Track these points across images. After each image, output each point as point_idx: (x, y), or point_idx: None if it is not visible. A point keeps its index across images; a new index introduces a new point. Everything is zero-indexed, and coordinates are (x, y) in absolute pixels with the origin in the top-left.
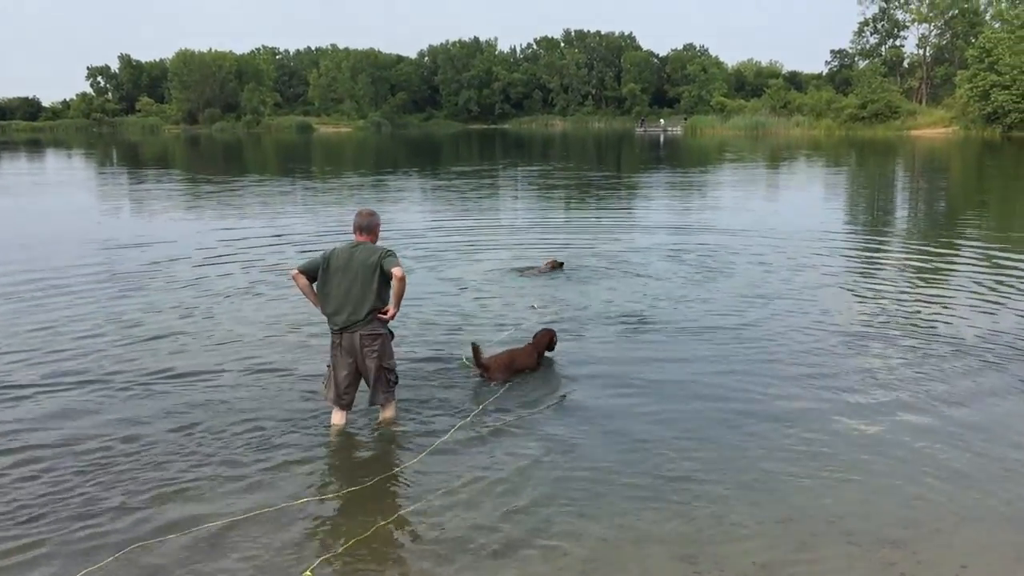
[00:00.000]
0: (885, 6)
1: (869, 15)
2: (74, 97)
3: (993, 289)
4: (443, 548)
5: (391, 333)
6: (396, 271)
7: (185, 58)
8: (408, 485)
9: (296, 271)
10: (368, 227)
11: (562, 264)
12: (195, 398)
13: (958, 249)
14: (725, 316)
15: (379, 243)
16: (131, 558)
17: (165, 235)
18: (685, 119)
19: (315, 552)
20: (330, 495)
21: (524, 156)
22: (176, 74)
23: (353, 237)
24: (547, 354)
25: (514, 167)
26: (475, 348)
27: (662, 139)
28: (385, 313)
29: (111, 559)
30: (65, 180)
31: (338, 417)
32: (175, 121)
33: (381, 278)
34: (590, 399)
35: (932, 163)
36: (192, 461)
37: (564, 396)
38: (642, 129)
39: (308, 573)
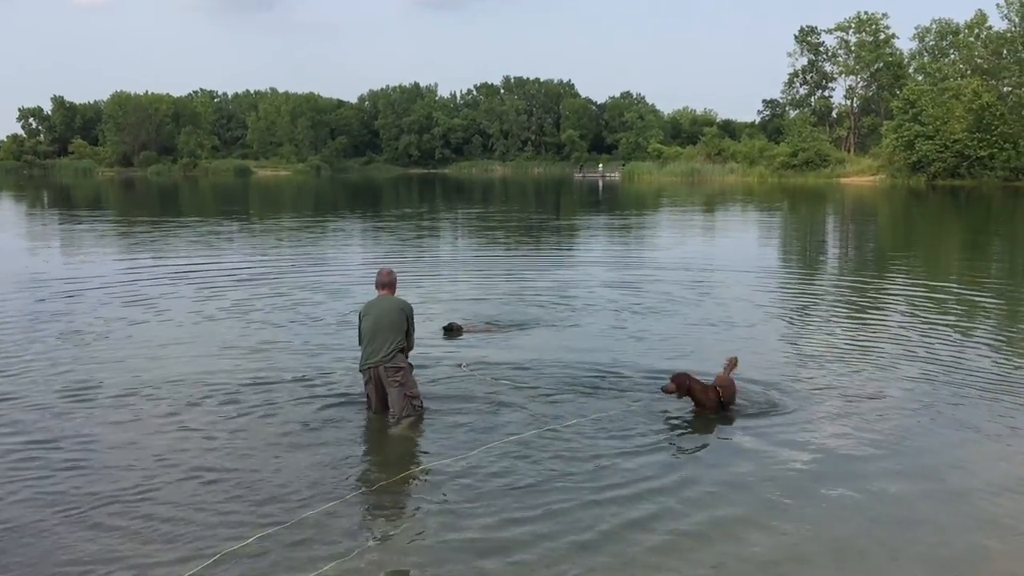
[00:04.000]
0: (814, 58)
1: (799, 67)
2: (4, 139)
3: (921, 324)
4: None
5: (411, 365)
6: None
7: (120, 100)
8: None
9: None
10: (389, 283)
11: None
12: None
13: (885, 288)
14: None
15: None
16: None
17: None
18: (623, 165)
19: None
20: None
21: (464, 200)
22: (111, 116)
23: (377, 292)
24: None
25: (454, 211)
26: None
27: (600, 184)
28: (404, 351)
29: None
30: None
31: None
32: (109, 164)
33: (407, 325)
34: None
35: (861, 209)
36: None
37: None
38: (580, 175)
39: None
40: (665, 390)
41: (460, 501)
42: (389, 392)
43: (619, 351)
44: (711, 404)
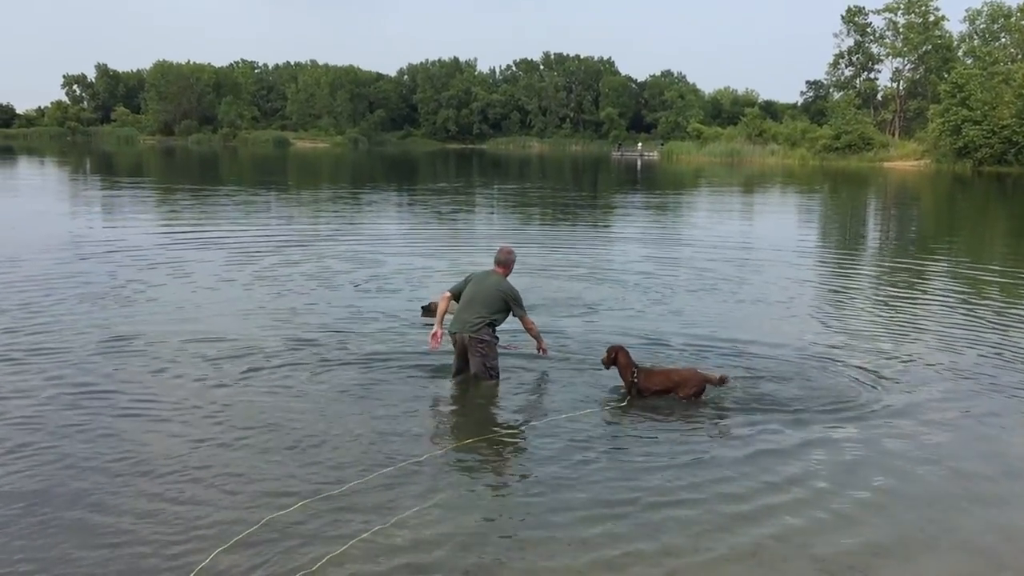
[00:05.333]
0: (860, 39)
1: (844, 48)
2: (49, 105)
3: (964, 314)
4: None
5: (497, 339)
6: (528, 322)
7: (163, 69)
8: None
9: (447, 293)
10: (504, 263)
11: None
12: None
13: (929, 271)
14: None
15: None
16: None
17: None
18: (662, 144)
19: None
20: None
21: (501, 176)
22: (153, 85)
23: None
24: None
25: (491, 186)
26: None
27: (639, 163)
28: (492, 326)
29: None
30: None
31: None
32: (151, 132)
33: (503, 307)
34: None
35: (906, 194)
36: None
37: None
38: (619, 153)
39: None
40: (602, 361)
41: (517, 472)
42: (472, 359)
43: (665, 326)
44: (625, 382)
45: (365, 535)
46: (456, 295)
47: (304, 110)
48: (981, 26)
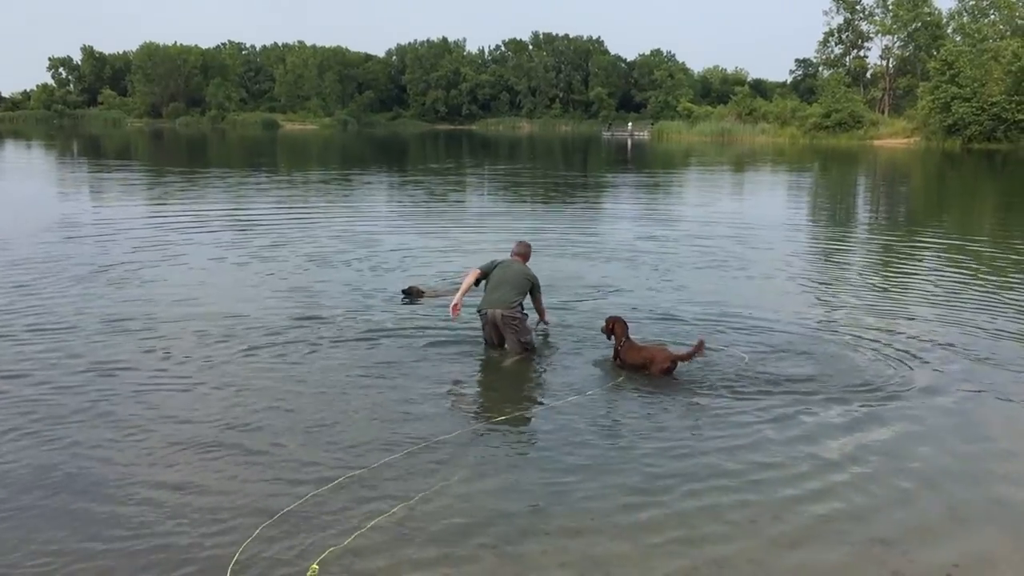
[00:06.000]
0: (850, 17)
1: (834, 26)
2: (34, 88)
3: (953, 291)
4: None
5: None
6: (542, 303)
7: (150, 51)
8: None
9: (476, 269)
10: (523, 253)
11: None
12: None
13: (917, 249)
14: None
15: None
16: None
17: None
18: (652, 124)
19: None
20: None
21: (492, 156)
22: (140, 67)
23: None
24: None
25: (481, 167)
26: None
27: (629, 143)
28: (519, 308)
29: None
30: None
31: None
32: (138, 115)
33: (527, 289)
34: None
35: (898, 171)
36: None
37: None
38: (609, 133)
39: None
40: (601, 329)
41: (545, 446)
42: (506, 335)
43: (681, 303)
44: (616, 351)
45: (391, 512)
46: (485, 274)
47: (292, 92)
48: (970, 3)
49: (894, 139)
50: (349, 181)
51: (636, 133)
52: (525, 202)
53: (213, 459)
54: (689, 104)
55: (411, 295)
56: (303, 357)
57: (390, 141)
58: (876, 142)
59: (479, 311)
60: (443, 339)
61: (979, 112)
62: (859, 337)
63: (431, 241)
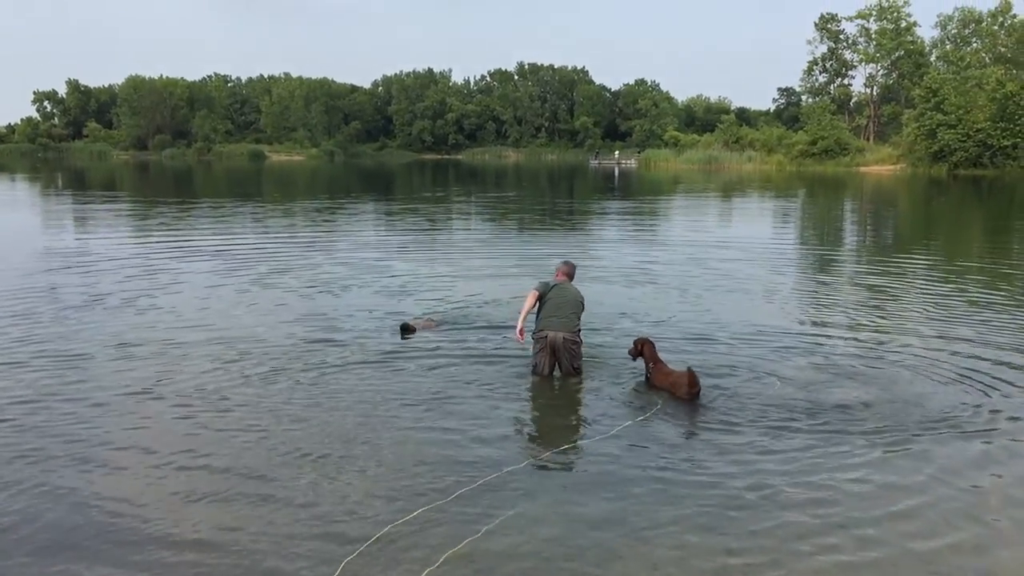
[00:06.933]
0: (834, 46)
1: (818, 55)
2: (19, 122)
3: (939, 310)
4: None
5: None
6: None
7: (135, 84)
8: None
9: (534, 291)
10: (571, 273)
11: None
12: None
13: (904, 275)
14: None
15: None
16: None
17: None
18: (639, 152)
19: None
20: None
21: (479, 185)
22: (126, 100)
23: (557, 277)
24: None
25: (469, 196)
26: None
27: (616, 171)
28: (579, 332)
29: None
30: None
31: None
32: (124, 147)
33: (582, 311)
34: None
35: (886, 198)
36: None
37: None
38: (596, 162)
39: None
40: (628, 351)
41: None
42: (562, 359)
43: (719, 328)
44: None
45: (460, 546)
46: (541, 296)
47: (279, 123)
48: (952, 31)
49: (880, 166)
50: (344, 209)
51: (623, 161)
52: (524, 229)
53: (283, 491)
54: (676, 132)
55: (408, 331)
56: (346, 384)
57: (378, 171)
58: (862, 168)
59: (538, 334)
60: (483, 363)
61: (964, 139)
62: (911, 364)
63: (437, 267)
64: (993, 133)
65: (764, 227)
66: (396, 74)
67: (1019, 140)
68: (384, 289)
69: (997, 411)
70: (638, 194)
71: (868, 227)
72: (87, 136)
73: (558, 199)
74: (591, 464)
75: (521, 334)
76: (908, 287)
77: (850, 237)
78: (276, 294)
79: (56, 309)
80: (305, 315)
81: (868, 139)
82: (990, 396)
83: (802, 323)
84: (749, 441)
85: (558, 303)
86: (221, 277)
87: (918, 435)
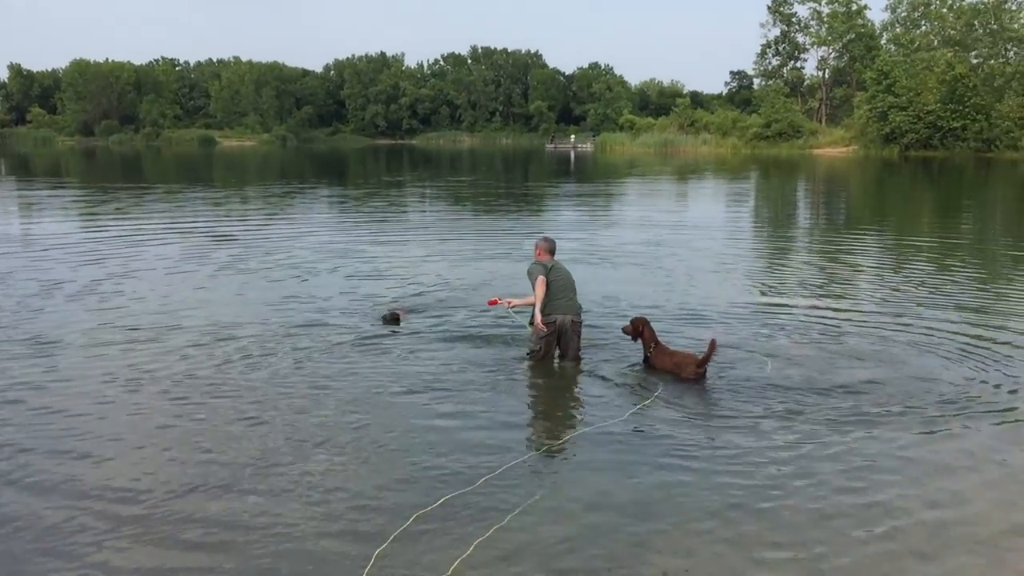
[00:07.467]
0: (786, 29)
1: (771, 38)
2: None
3: (895, 289)
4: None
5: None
6: None
7: (80, 68)
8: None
9: (542, 276)
10: (553, 251)
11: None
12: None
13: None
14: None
15: None
16: None
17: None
18: (594, 136)
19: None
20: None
21: (434, 170)
22: (71, 84)
23: (539, 255)
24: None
25: (423, 182)
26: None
27: (572, 156)
28: None
29: None
30: None
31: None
32: (69, 133)
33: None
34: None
35: (839, 179)
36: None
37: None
38: (552, 146)
39: None
40: (623, 330)
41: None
42: (570, 342)
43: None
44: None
45: (486, 536)
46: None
47: (229, 108)
48: (902, 14)
49: (833, 148)
50: (303, 194)
51: (579, 146)
52: (488, 212)
53: (299, 482)
54: (631, 116)
55: (390, 321)
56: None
57: (331, 156)
58: (815, 151)
59: (546, 318)
60: (473, 347)
61: (915, 120)
62: (918, 343)
63: (411, 249)
64: (943, 115)
65: (732, 207)
66: (348, 58)
67: (968, 122)
68: (357, 273)
69: (1015, 391)
70: (597, 177)
71: (821, 208)
72: (31, 122)
73: (518, 183)
74: (609, 449)
75: (540, 323)
76: (878, 263)
77: (804, 219)
78: (242, 279)
79: (16, 298)
80: (280, 300)
81: (820, 122)
82: (998, 371)
83: (792, 301)
84: (774, 426)
85: (561, 285)
86: (181, 263)
87: (940, 416)
